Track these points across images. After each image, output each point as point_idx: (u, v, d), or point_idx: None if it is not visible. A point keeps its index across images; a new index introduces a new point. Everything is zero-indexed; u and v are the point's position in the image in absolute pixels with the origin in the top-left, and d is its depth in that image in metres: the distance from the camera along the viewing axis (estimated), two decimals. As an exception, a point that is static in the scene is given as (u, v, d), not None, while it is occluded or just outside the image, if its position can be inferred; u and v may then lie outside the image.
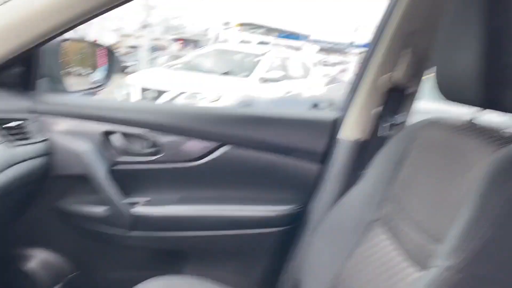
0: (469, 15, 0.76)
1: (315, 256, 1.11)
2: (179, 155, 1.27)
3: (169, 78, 6.30)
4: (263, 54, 6.86)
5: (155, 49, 15.09)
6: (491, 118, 0.83)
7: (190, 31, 26.01)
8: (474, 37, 0.74)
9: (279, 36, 23.15)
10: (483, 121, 0.86)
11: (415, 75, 1.17)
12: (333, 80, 10.41)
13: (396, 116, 1.21)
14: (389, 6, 1.18)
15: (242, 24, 23.87)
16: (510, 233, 0.67)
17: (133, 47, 14.31)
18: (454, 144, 0.84)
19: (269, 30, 26.25)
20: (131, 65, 10.72)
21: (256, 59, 6.75)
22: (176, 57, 10.69)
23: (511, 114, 0.77)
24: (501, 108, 0.76)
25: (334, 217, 1.11)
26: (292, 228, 1.29)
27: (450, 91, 0.86)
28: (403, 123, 1.21)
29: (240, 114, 1.37)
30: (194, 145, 1.27)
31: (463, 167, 0.77)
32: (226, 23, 24.02)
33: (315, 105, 7.44)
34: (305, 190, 1.30)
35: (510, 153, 0.70)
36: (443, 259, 0.68)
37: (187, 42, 16.88)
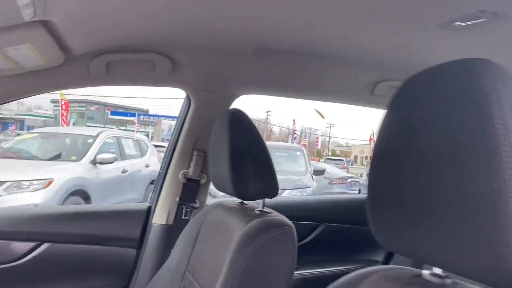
0: (223, 134, 1.12)
1: None
2: None
3: (-14, 167, 5.72)
4: (96, 136, 6.79)
5: (-32, 132, 13.39)
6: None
7: (12, 110, 23.84)
8: (225, 150, 1.10)
9: (112, 114, 22.79)
10: (249, 202, 1.22)
11: (204, 171, 1.52)
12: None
13: (193, 203, 1.53)
14: (180, 117, 1.54)
15: (72, 101, 22.90)
16: (250, 283, 1.00)
17: None
18: (226, 221, 1.17)
19: (102, 106, 25.75)
20: None
21: (88, 141, 6.65)
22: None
23: (253, 200, 1.15)
24: (243, 197, 1.12)
25: None
26: None
27: (218, 185, 1.20)
28: (199, 207, 1.53)
29: (57, 212, 1.51)
30: (13, 246, 1.36)
31: (229, 239, 1.09)
32: (54, 101, 22.81)
33: (153, 182, 7.59)
34: (124, 274, 1.49)
35: (252, 226, 1.05)
36: None
37: (9, 123, 15.49)
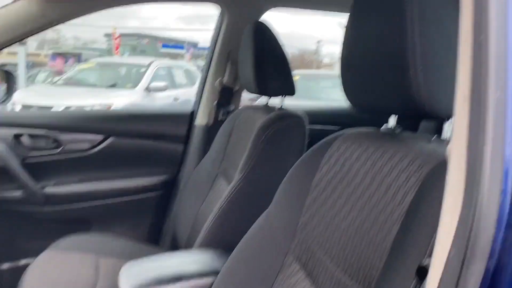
0: (248, 42, 1.35)
1: (182, 209, 1.62)
2: (75, 147, 1.70)
3: (52, 94, 6.28)
4: (148, 65, 7.14)
5: (32, 65, 14.32)
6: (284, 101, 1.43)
7: (70, 45, 24.89)
8: (250, 55, 1.33)
9: (164, 46, 23.17)
10: (272, 103, 1.46)
11: (237, 79, 1.76)
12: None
13: (228, 106, 1.79)
14: (215, 33, 1.76)
15: (124, 35, 23.43)
16: (266, 161, 1.25)
17: (5, 64, 13.36)
18: (252, 117, 1.42)
19: (154, 39, 26.20)
20: (8, 84, 10.09)
21: (141, 70, 7.03)
22: (57, 72, 10.42)
23: (275, 96, 1.38)
24: (265, 93, 1.36)
25: (193, 179, 1.63)
26: (166, 192, 1.80)
27: (246, 86, 1.45)
28: (233, 110, 1.79)
29: (120, 113, 1.84)
30: (87, 139, 1.71)
31: (252, 129, 1.35)
32: (107, 35, 23.47)
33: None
34: (173, 164, 1.82)
35: (270, 116, 1.29)
36: (238, 174, 1.25)
37: (68, 56, 16.27)
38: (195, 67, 9.50)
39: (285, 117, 1.30)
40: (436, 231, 0.45)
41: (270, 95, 1.38)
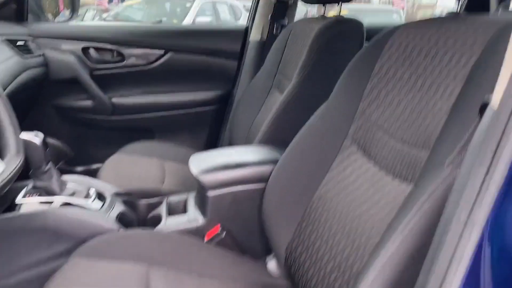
0: None
1: (238, 120, 1.70)
2: (138, 61, 1.80)
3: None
4: (193, 0, 7.09)
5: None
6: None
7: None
8: None
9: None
10: (328, 14, 1.47)
11: None
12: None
13: (283, 20, 1.81)
14: None
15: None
16: (321, 66, 1.28)
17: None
18: (308, 27, 1.43)
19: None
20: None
21: (187, 5, 7.00)
22: (104, 11, 10.53)
23: (332, 3, 1.39)
24: (321, 1, 1.37)
25: (248, 93, 1.70)
26: (222, 106, 1.89)
27: None
28: (288, 24, 1.80)
29: (179, 28, 1.90)
30: (148, 53, 1.79)
31: (309, 36, 1.37)
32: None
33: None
34: (229, 79, 1.89)
35: (328, 21, 1.31)
36: (295, 78, 1.29)
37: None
38: (239, 2, 9.30)
39: (343, 21, 1.31)
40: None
41: (328, 1, 1.39)
